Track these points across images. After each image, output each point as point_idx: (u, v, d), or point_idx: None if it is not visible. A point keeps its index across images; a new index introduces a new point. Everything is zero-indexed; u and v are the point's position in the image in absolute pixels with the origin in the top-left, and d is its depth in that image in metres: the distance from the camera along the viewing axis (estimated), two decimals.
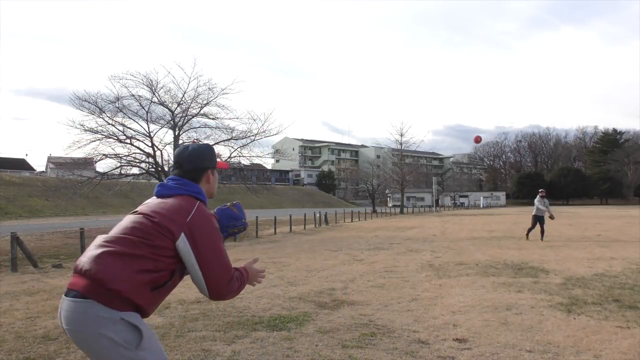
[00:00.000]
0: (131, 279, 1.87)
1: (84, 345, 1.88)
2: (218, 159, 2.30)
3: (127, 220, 2.04)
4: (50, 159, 66.34)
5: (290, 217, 24.07)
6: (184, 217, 1.98)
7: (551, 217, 15.41)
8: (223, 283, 2.04)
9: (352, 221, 31.93)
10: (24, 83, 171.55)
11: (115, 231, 2.02)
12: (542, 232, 14.73)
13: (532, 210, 15.40)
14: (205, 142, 17.69)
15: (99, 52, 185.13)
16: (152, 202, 2.10)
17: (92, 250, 1.96)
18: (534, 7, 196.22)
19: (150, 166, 19.10)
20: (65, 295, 1.91)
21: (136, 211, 2.08)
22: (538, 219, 14.84)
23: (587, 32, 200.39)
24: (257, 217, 19.82)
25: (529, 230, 15.12)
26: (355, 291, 6.83)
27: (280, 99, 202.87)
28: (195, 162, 2.17)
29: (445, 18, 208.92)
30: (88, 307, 1.83)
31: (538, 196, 15.27)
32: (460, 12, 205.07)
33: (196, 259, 1.96)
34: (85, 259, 1.93)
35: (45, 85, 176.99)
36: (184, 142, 19.35)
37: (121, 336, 1.83)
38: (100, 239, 2.01)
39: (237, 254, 12.32)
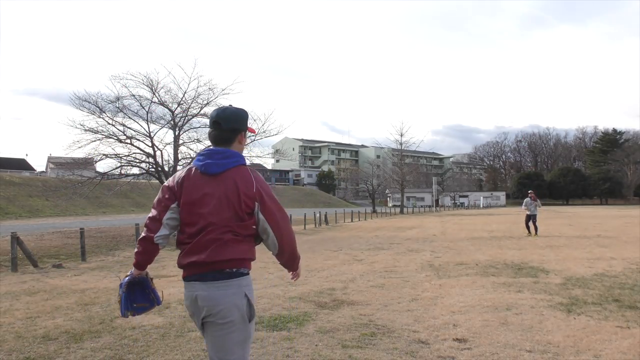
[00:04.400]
0: None
1: None
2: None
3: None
4: (50, 159, 66.30)
5: (290, 217, 23.89)
6: (252, 188, 2.19)
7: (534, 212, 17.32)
8: (292, 234, 2.29)
9: (352, 221, 31.94)
10: (24, 83, 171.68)
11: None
12: (535, 228, 17.06)
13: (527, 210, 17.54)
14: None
15: (100, 52, 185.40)
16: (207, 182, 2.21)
17: None
18: (532, 6, 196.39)
19: (150, 166, 19.06)
20: None
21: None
22: (530, 217, 17.26)
23: (587, 31, 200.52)
24: None
25: (527, 227, 17.33)
26: (355, 291, 6.83)
27: (280, 99, 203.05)
28: (233, 122, 2.30)
29: (444, 18, 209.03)
30: None
31: (528, 198, 17.49)
32: (459, 12, 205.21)
33: (269, 223, 2.20)
34: None
35: (45, 85, 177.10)
36: (184, 142, 19.35)
37: None
38: None
39: None
